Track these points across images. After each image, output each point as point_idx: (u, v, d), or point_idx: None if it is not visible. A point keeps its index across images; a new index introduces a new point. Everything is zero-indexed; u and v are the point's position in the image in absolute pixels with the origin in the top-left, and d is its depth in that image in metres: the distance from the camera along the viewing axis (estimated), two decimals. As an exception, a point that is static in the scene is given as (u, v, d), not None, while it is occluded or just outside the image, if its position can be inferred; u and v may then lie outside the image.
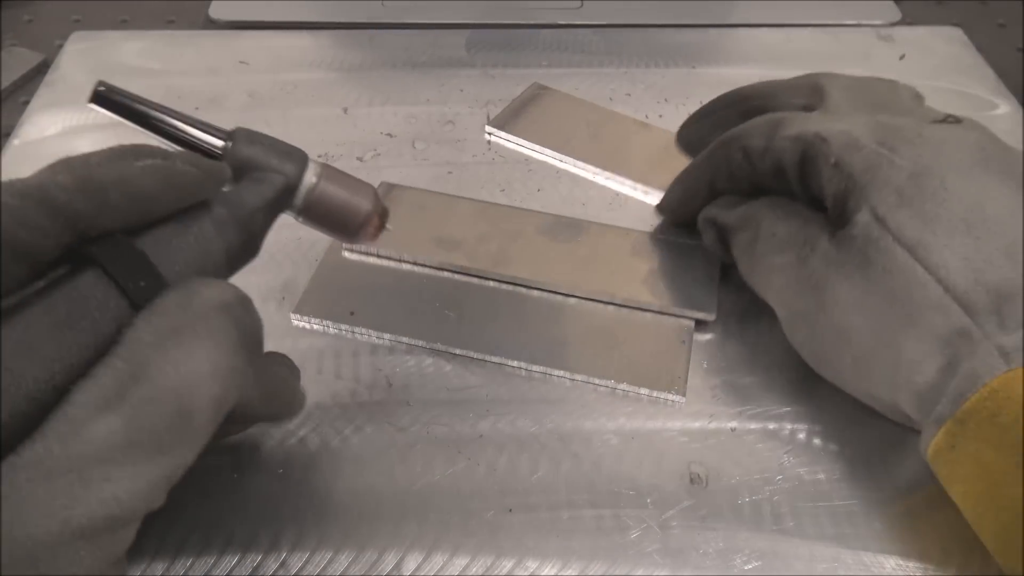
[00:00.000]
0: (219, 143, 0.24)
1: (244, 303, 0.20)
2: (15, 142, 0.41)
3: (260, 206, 0.24)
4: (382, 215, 0.27)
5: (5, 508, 0.16)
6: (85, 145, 0.42)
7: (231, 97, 0.45)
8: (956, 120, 0.29)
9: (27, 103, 0.44)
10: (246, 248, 0.23)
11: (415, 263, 0.35)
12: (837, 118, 0.29)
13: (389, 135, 0.42)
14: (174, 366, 0.18)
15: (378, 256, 0.35)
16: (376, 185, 0.37)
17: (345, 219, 0.26)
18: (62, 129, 0.42)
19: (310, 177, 0.25)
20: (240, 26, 0.51)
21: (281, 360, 0.26)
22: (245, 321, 0.20)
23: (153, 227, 0.21)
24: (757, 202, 0.31)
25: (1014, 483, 0.22)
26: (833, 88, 0.31)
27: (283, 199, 0.25)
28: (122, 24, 0.53)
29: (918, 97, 0.32)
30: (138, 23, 0.52)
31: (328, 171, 0.26)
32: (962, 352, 0.23)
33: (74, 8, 0.54)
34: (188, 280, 0.20)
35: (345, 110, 0.44)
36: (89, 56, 0.47)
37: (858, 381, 0.27)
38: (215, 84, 0.45)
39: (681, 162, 0.36)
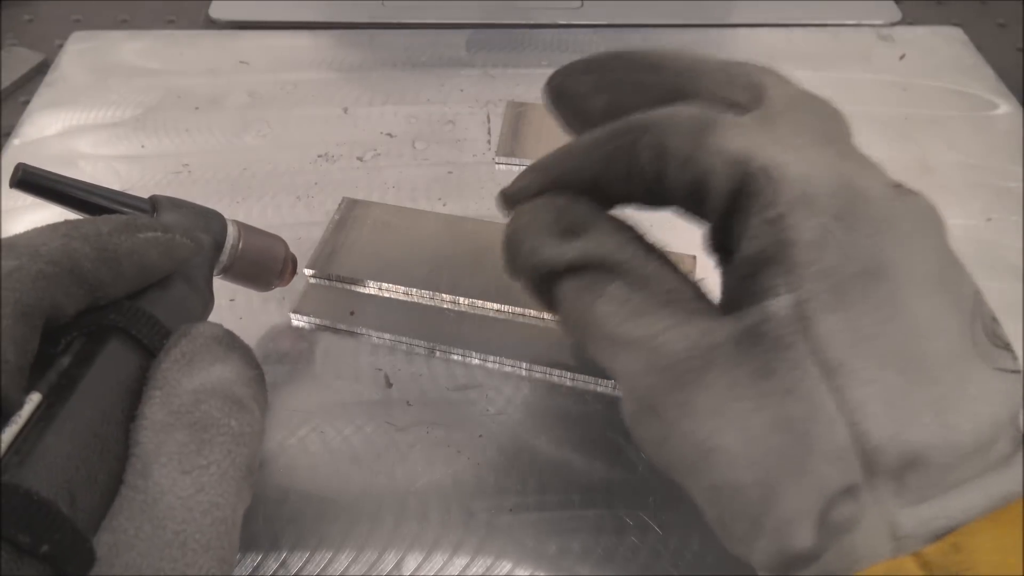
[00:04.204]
0: (143, 214, 0.25)
1: (230, 334, 0.22)
2: (15, 142, 0.41)
3: (203, 264, 0.26)
4: (294, 262, 0.31)
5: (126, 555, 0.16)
6: (85, 145, 0.43)
7: (231, 97, 0.45)
8: (909, 192, 0.21)
9: (27, 103, 0.44)
10: (206, 301, 0.25)
11: (377, 287, 0.34)
12: (780, 141, 0.21)
13: (389, 135, 0.42)
14: (198, 377, 0.20)
15: (339, 280, 0.34)
16: (339, 201, 0.37)
17: (265, 270, 0.29)
18: (62, 129, 0.42)
19: (232, 234, 0.27)
20: (240, 26, 0.51)
21: None
22: (239, 345, 0.22)
23: (145, 291, 0.22)
24: (606, 236, 0.22)
25: None
26: (777, 93, 0.23)
27: (213, 257, 0.27)
28: (122, 24, 0.53)
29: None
30: (138, 23, 0.52)
31: (244, 227, 0.28)
32: (843, 516, 0.18)
33: (74, 8, 0.54)
34: (185, 325, 0.22)
35: (345, 110, 0.44)
36: (89, 56, 0.47)
37: (710, 507, 0.20)
38: (215, 84, 0.45)
39: None
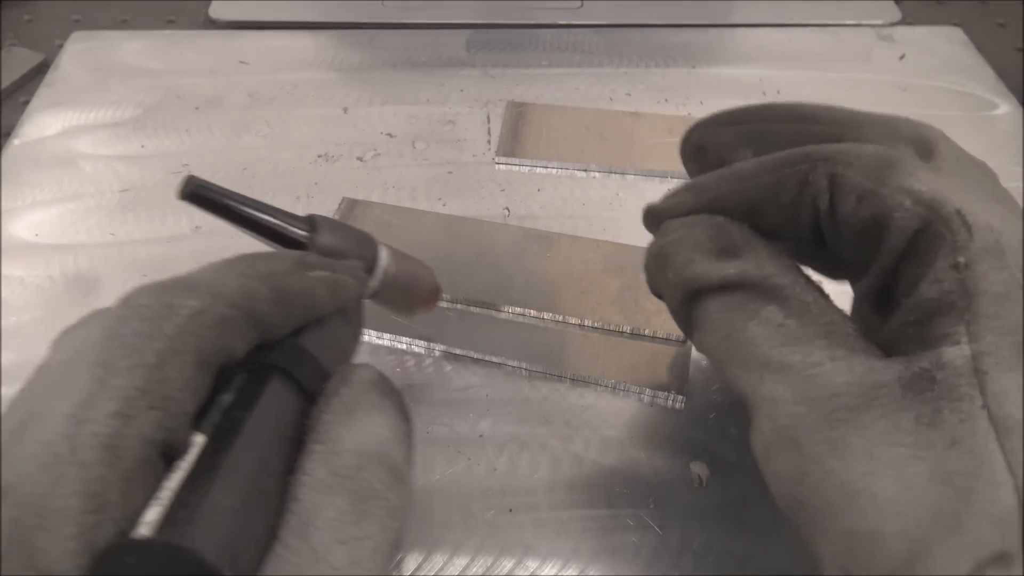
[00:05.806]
0: (303, 234, 0.24)
1: (384, 379, 0.21)
2: (15, 142, 0.41)
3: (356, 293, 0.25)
4: (440, 290, 0.29)
5: None
6: (85, 145, 0.43)
7: (231, 97, 0.45)
8: None
9: (27, 103, 0.44)
10: (356, 333, 0.24)
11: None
12: (964, 190, 0.21)
13: (389, 135, 0.42)
14: (359, 433, 0.19)
15: None
16: (339, 201, 0.37)
17: (411, 297, 0.28)
18: (62, 129, 0.42)
19: (384, 260, 0.26)
20: (240, 26, 0.51)
21: None
22: (392, 391, 0.21)
23: (303, 328, 0.21)
24: (765, 259, 0.22)
25: None
26: (945, 148, 0.23)
27: (365, 283, 0.26)
28: (122, 24, 0.53)
29: None
30: (138, 23, 0.52)
31: (396, 254, 0.27)
32: None
33: (74, 8, 0.54)
34: (343, 367, 0.21)
35: (345, 110, 0.44)
36: (89, 56, 0.47)
37: (840, 552, 0.19)
38: (215, 84, 0.45)
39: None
